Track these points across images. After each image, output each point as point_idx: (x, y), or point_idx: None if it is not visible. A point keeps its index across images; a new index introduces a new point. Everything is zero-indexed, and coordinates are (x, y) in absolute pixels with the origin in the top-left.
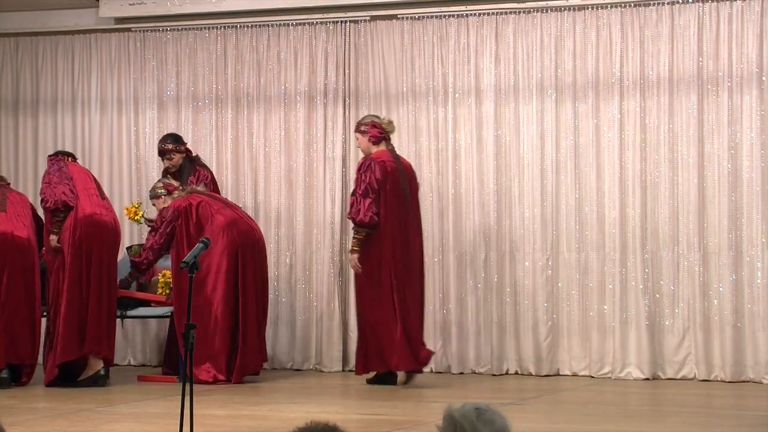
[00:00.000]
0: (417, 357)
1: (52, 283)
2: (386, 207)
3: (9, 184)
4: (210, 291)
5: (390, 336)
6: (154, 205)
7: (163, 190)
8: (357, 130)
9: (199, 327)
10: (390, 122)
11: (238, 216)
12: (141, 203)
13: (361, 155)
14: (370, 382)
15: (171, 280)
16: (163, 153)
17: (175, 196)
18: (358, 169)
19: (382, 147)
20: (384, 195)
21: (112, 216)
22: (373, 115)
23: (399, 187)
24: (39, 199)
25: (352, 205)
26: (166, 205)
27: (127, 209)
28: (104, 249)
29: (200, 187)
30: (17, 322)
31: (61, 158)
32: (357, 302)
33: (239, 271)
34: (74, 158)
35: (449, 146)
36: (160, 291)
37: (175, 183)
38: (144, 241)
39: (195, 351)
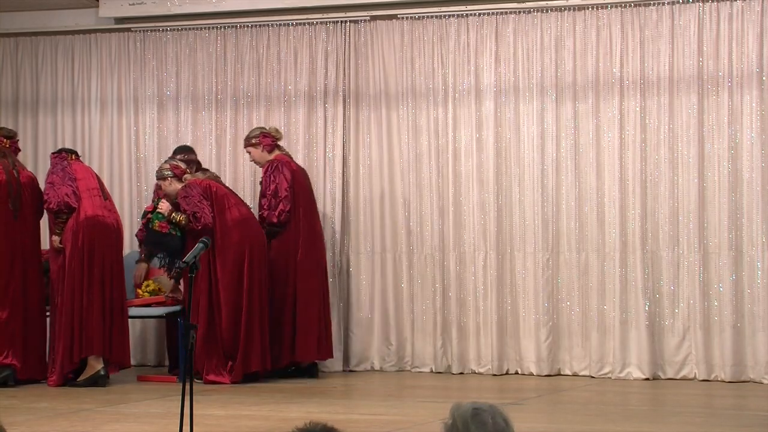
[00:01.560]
0: (319, 348)
1: (54, 285)
2: (296, 206)
3: (17, 142)
4: (221, 288)
5: (288, 329)
6: (160, 187)
7: (169, 172)
8: (248, 144)
9: (211, 325)
10: (277, 129)
11: (251, 216)
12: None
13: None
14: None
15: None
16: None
17: (187, 177)
18: (266, 172)
19: (277, 153)
20: (293, 195)
21: (115, 216)
22: (259, 127)
23: (306, 188)
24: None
25: (268, 207)
26: (172, 188)
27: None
28: (107, 250)
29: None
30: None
31: (64, 155)
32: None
33: (246, 271)
34: (77, 155)
35: (449, 146)
36: (144, 286)
37: (183, 165)
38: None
39: (208, 351)
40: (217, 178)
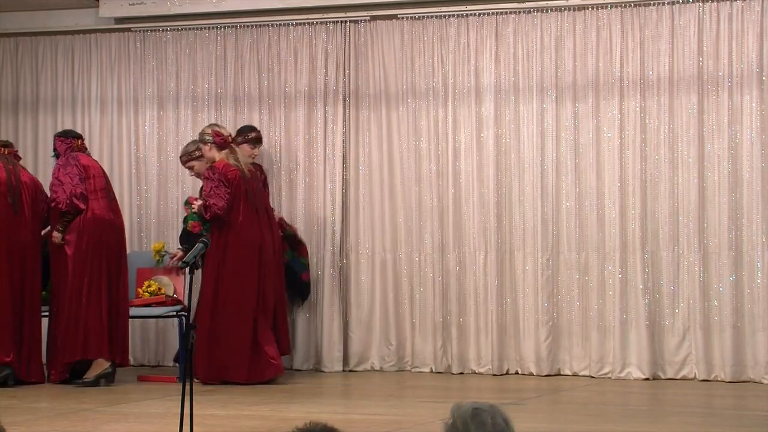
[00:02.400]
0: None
1: (54, 284)
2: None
3: (16, 151)
4: (221, 291)
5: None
6: (199, 149)
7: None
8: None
9: (213, 325)
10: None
11: (253, 220)
12: (164, 245)
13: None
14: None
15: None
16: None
17: (223, 155)
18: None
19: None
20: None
21: (119, 217)
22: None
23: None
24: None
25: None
26: (211, 154)
27: (156, 247)
28: (112, 252)
29: (246, 171)
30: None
31: (70, 142)
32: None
33: (241, 277)
34: (82, 140)
35: (449, 146)
36: (145, 286)
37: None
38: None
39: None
40: (243, 171)
